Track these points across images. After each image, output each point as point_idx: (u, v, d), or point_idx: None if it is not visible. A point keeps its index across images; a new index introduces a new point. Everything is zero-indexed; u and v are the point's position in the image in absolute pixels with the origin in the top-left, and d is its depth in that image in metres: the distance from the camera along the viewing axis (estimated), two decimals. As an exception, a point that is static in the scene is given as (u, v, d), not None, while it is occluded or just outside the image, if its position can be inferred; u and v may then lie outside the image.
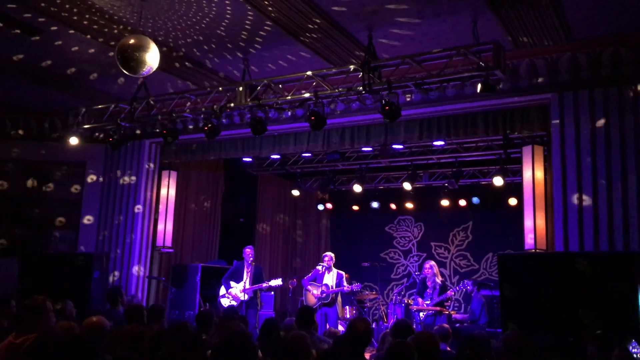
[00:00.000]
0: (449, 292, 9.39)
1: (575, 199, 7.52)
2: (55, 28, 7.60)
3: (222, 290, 9.93)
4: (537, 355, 4.02)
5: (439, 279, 9.56)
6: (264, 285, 9.65)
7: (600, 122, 7.49)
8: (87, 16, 7.24)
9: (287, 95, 8.02)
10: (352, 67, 7.59)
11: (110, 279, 10.48)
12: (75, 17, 7.29)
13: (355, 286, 10.04)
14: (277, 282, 9.73)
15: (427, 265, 9.73)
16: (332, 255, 10.22)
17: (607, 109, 7.47)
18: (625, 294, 6.18)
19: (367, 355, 5.98)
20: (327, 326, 9.42)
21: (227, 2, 6.79)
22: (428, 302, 9.38)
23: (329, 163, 12.80)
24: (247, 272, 9.80)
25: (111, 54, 7.97)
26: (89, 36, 7.82)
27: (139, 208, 10.77)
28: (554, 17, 6.88)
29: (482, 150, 11.27)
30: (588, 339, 4.88)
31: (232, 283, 9.83)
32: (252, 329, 9.36)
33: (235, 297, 9.68)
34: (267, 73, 8.65)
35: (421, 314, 9.41)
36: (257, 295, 9.85)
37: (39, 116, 11.16)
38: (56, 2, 6.92)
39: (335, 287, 9.85)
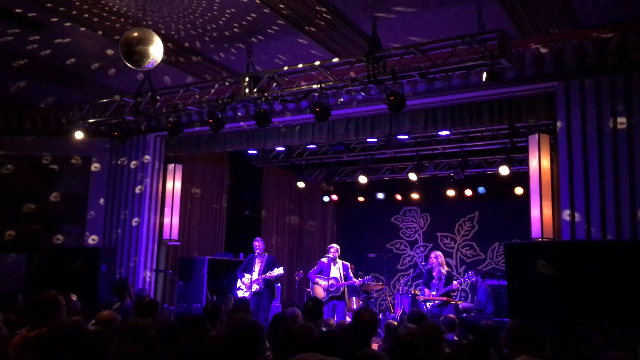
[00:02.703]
0: (454, 284, 9.39)
1: (582, 187, 7.48)
2: (58, 22, 7.58)
3: (239, 283, 10.06)
4: (544, 344, 4.01)
5: (444, 269, 9.56)
6: (267, 275, 9.72)
7: (607, 110, 7.44)
8: (89, 9, 7.22)
9: (292, 87, 8.00)
10: (356, 57, 7.56)
11: (117, 272, 10.51)
12: (77, 11, 7.27)
13: (366, 279, 10.23)
14: (278, 271, 9.78)
15: (432, 256, 9.75)
16: (337, 247, 10.23)
17: (614, 96, 7.41)
18: (633, 282, 6.16)
19: (375, 346, 5.99)
20: (335, 318, 9.45)
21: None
22: (434, 292, 9.38)
23: (334, 154, 12.79)
24: (257, 263, 9.96)
25: (114, 47, 7.95)
26: (92, 30, 7.80)
27: (144, 202, 10.80)
28: (560, 4, 6.82)
29: (487, 139, 11.21)
30: (592, 327, 4.88)
31: (246, 274, 9.96)
32: (263, 321, 9.43)
33: (247, 287, 9.81)
34: (271, 65, 8.62)
35: (428, 304, 9.42)
36: (271, 286, 9.93)
37: (44, 111, 11.18)
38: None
39: (344, 279, 9.87)
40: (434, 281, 9.50)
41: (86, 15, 7.39)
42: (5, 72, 9.36)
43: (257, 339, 3.37)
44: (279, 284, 12.01)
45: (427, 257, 12.18)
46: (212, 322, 5.35)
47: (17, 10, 7.28)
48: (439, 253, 9.76)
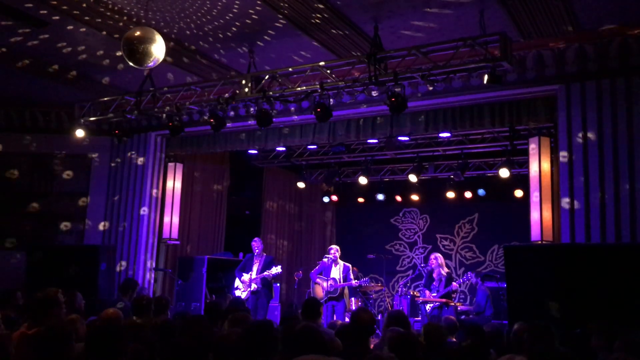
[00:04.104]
0: (453, 284, 9.39)
1: (582, 190, 7.49)
2: (60, 20, 7.58)
3: (237, 282, 10.05)
4: (551, 346, 4.01)
5: (444, 271, 9.56)
6: (265, 274, 9.73)
7: (608, 113, 7.44)
8: (92, 8, 7.23)
9: (293, 87, 8.00)
10: (358, 58, 7.57)
11: (117, 271, 10.51)
12: (80, 10, 7.27)
13: (363, 281, 10.22)
14: (276, 269, 9.79)
15: (432, 257, 9.76)
16: (338, 247, 10.23)
17: (614, 100, 7.43)
18: (633, 285, 6.16)
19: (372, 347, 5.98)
20: (335, 318, 9.46)
21: (232, -7, 6.78)
22: (435, 294, 9.38)
23: (335, 155, 12.80)
24: (255, 263, 9.98)
25: (117, 46, 7.96)
26: (94, 29, 7.80)
27: (145, 200, 10.80)
28: (561, 7, 6.83)
29: (488, 141, 11.23)
30: (592, 329, 4.88)
31: (244, 274, 9.97)
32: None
33: (246, 286, 9.82)
34: (273, 65, 8.62)
35: (427, 306, 9.43)
36: (268, 285, 9.94)
37: (45, 109, 11.17)
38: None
39: (343, 281, 9.88)
40: (434, 283, 9.51)
41: (88, 15, 7.39)
42: (6, 70, 9.36)
43: (273, 339, 3.38)
44: (278, 284, 12.02)
45: (426, 258, 12.19)
46: (212, 321, 5.36)
47: (19, 8, 7.28)
48: (438, 255, 9.76)
